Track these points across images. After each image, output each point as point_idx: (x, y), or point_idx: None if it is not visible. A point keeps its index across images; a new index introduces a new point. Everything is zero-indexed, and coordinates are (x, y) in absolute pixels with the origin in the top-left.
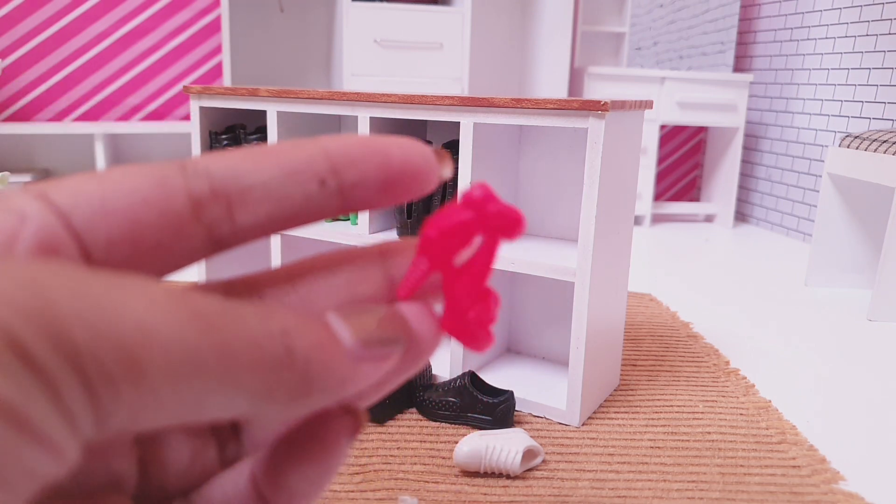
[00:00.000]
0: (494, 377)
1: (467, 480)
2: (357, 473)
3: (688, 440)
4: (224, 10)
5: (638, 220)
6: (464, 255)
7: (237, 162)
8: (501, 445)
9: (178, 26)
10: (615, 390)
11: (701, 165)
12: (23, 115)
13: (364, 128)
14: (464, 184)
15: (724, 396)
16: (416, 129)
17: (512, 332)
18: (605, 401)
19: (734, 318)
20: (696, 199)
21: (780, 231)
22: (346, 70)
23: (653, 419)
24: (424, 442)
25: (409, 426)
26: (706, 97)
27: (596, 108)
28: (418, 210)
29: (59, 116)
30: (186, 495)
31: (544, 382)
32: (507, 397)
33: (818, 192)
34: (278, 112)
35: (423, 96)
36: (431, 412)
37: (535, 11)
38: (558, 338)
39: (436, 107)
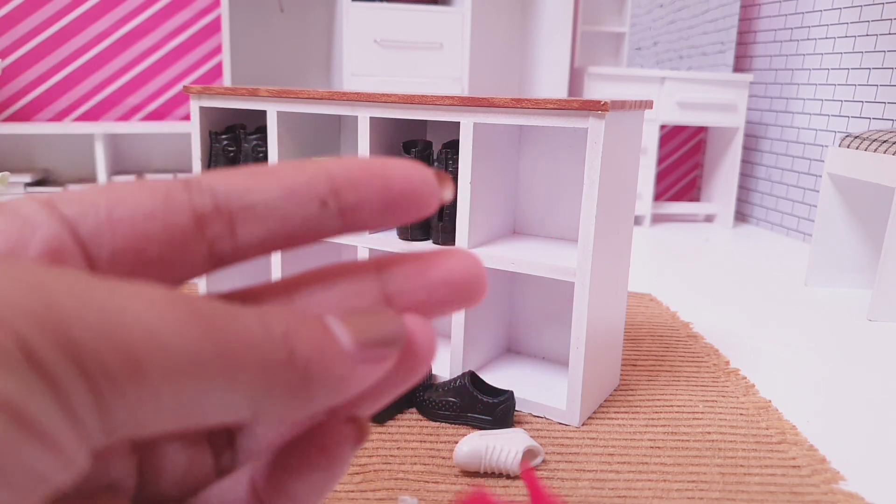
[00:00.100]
0: (494, 377)
1: (467, 480)
2: (357, 473)
3: (688, 440)
4: (224, 10)
5: (638, 220)
6: None
7: (240, 180)
8: (501, 445)
9: (178, 26)
10: (615, 390)
11: (701, 165)
12: (23, 115)
13: (364, 127)
14: (464, 181)
15: (724, 396)
16: (416, 128)
17: (512, 332)
18: (605, 401)
19: (734, 318)
20: (696, 199)
21: (780, 231)
22: (346, 70)
23: (653, 419)
24: (424, 442)
25: (409, 426)
26: (706, 97)
27: (596, 108)
28: None
29: (59, 116)
30: (183, 502)
31: (544, 382)
32: (507, 397)
33: (818, 192)
34: (278, 112)
35: (423, 96)
36: (431, 412)
37: (535, 11)
38: (558, 338)
39: (436, 107)
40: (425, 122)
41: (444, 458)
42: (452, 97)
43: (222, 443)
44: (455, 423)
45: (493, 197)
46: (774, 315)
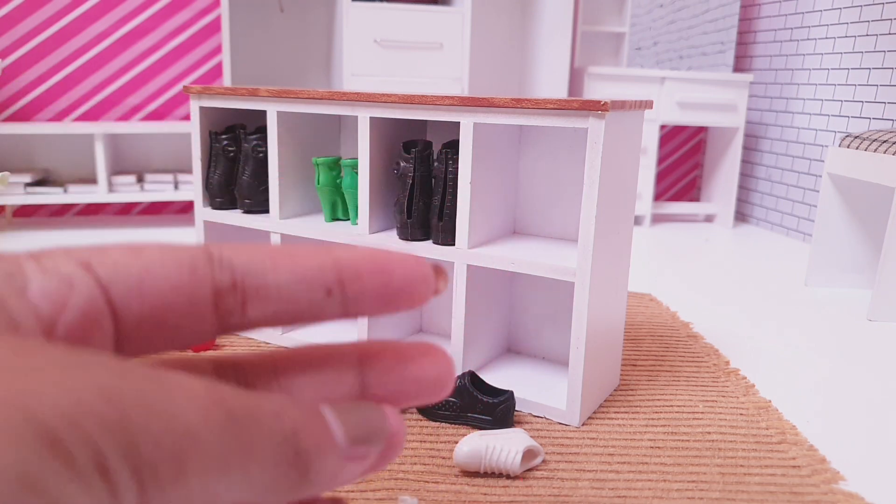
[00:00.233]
0: (494, 377)
1: (467, 480)
2: None
3: (688, 440)
4: (224, 10)
5: (638, 220)
6: None
7: (258, 258)
8: (501, 445)
9: (178, 26)
10: (615, 390)
11: (701, 165)
12: (23, 115)
13: (364, 127)
14: (464, 181)
15: (724, 396)
16: (416, 128)
17: (512, 332)
18: (605, 401)
19: (734, 318)
20: (696, 199)
21: (780, 231)
22: (346, 70)
23: (653, 419)
24: (424, 442)
25: (408, 426)
26: (706, 97)
27: (596, 108)
28: (419, 210)
29: (59, 116)
30: None
31: (544, 382)
32: (507, 397)
33: (818, 192)
34: (278, 112)
35: (423, 96)
36: (431, 412)
37: (535, 11)
38: (558, 338)
39: (436, 107)
40: (425, 122)
41: (444, 458)
42: (452, 97)
43: None
44: (455, 423)
45: (493, 197)
46: (774, 315)
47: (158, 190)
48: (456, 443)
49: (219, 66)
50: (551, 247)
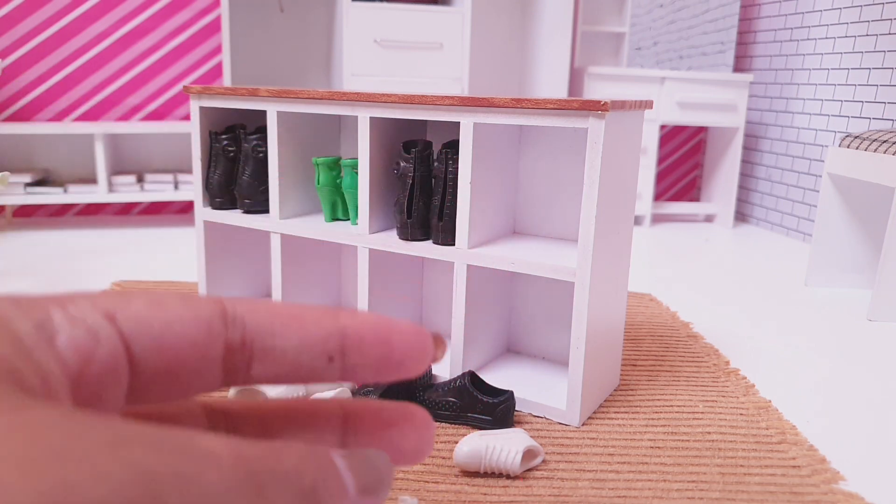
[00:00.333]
0: (494, 377)
1: (467, 480)
2: None
3: (688, 440)
4: (224, 10)
5: (638, 220)
6: None
7: (268, 321)
8: (501, 445)
9: (178, 26)
10: (615, 390)
11: (701, 165)
12: (23, 115)
13: (364, 127)
14: (464, 181)
15: (724, 396)
16: (416, 128)
17: (512, 332)
18: (605, 401)
19: (734, 318)
20: (696, 199)
21: (780, 231)
22: (346, 70)
23: (653, 419)
24: None
25: None
26: (706, 97)
27: (596, 108)
28: (419, 210)
29: (59, 116)
30: None
31: (544, 382)
32: (507, 397)
33: (818, 192)
34: (278, 112)
35: (423, 96)
36: (431, 412)
37: (535, 11)
38: (558, 338)
39: (436, 107)
40: (425, 122)
41: (444, 458)
42: (452, 97)
43: None
44: (455, 423)
45: (493, 197)
46: (774, 315)
47: (158, 190)
48: (456, 443)
49: (219, 66)
50: (551, 247)
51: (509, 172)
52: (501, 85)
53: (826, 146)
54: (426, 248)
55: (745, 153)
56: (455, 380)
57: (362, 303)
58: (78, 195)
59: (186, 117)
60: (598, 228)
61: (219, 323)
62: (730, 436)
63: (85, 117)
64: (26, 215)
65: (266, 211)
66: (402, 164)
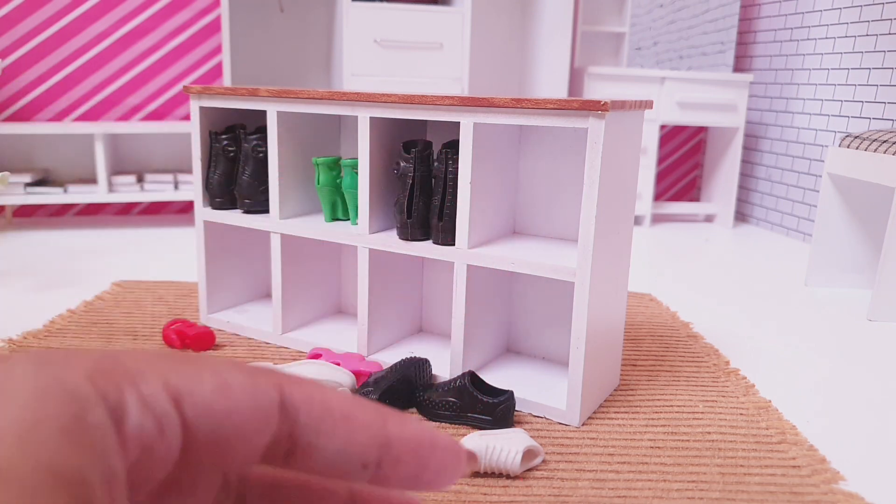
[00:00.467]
0: (494, 377)
1: (467, 480)
2: None
3: (688, 440)
4: (224, 10)
5: (638, 220)
6: None
7: (320, 417)
8: (501, 445)
9: (178, 26)
10: (615, 390)
11: (701, 165)
12: (23, 115)
13: (364, 127)
14: (464, 181)
15: (724, 396)
16: (416, 128)
17: (512, 332)
18: (605, 401)
19: (734, 318)
20: (696, 199)
21: (780, 231)
22: (346, 70)
23: (653, 419)
24: None
25: None
26: (706, 97)
27: (596, 108)
28: (419, 210)
29: (59, 116)
30: None
31: (544, 382)
32: (507, 397)
33: (818, 192)
34: (278, 112)
35: (423, 96)
36: (431, 412)
37: (535, 11)
38: (558, 338)
39: (436, 107)
40: (425, 122)
41: None
42: (452, 97)
43: None
44: (455, 423)
45: (493, 197)
46: (774, 315)
47: (158, 190)
48: None
49: (219, 66)
50: (551, 247)
51: (509, 172)
52: (501, 85)
53: (826, 146)
54: (426, 248)
55: (745, 153)
56: (455, 380)
57: (362, 303)
58: (78, 195)
59: (186, 117)
60: (598, 228)
61: (275, 415)
62: (730, 436)
63: (85, 117)
64: (26, 215)
65: (266, 211)
66: (402, 164)
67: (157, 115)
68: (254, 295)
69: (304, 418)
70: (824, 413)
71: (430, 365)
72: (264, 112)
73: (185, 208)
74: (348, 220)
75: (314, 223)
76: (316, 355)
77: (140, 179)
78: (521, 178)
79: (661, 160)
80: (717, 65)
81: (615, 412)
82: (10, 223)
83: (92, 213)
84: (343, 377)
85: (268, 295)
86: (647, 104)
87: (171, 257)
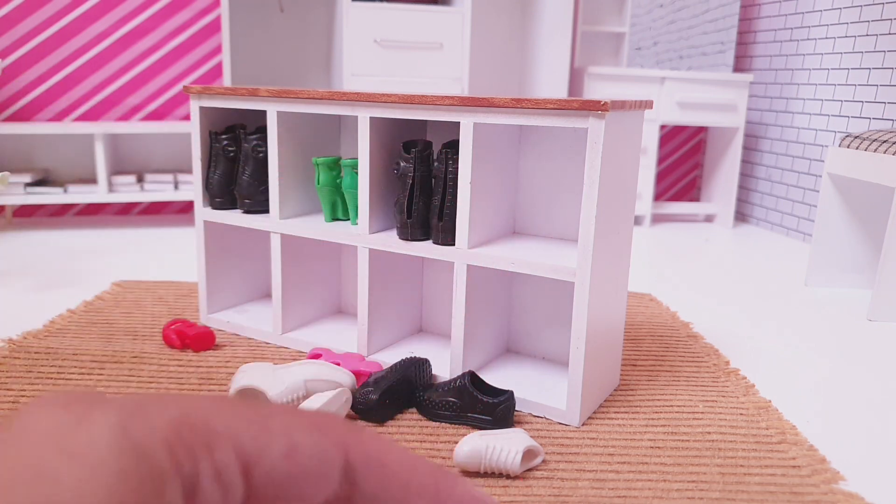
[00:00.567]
0: (494, 377)
1: (467, 480)
2: None
3: (688, 440)
4: (224, 10)
5: (638, 220)
6: None
7: (380, 484)
8: (501, 445)
9: (178, 26)
10: (615, 390)
11: (701, 165)
12: (23, 115)
13: (364, 127)
14: (464, 181)
15: (724, 396)
16: (416, 128)
17: (512, 332)
18: (605, 401)
19: (734, 318)
20: (696, 199)
21: (780, 231)
22: (346, 70)
23: (653, 419)
24: (424, 442)
25: (409, 426)
26: (706, 97)
27: (596, 108)
28: (419, 210)
29: (59, 116)
30: None
31: (544, 382)
32: (507, 397)
33: (818, 192)
34: (278, 112)
35: (423, 96)
36: (431, 412)
37: (535, 11)
38: (558, 338)
39: (436, 107)
40: (425, 122)
41: (444, 458)
42: (452, 97)
43: None
44: (455, 423)
45: (493, 197)
46: (774, 315)
47: (158, 190)
48: (456, 443)
49: (219, 66)
50: (551, 247)
51: (509, 172)
52: (501, 85)
53: (826, 146)
54: (426, 248)
55: (745, 153)
56: (455, 380)
57: (362, 303)
58: (78, 195)
59: (186, 117)
60: (598, 228)
61: (336, 479)
62: (730, 436)
63: (85, 117)
64: (26, 215)
65: (266, 211)
66: (402, 164)
67: (157, 115)
68: (254, 295)
69: (362, 482)
70: (824, 413)
71: (430, 365)
72: (264, 112)
73: (185, 208)
74: (348, 220)
75: (314, 223)
76: (316, 355)
77: (140, 179)
78: (521, 178)
79: (661, 160)
80: (717, 65)
81: (615, 412)
82: (10, 223)
83: (92, 213)
84: (343, 377)
85: (268, 295)
86: (647, 104)
87: (171, 257)
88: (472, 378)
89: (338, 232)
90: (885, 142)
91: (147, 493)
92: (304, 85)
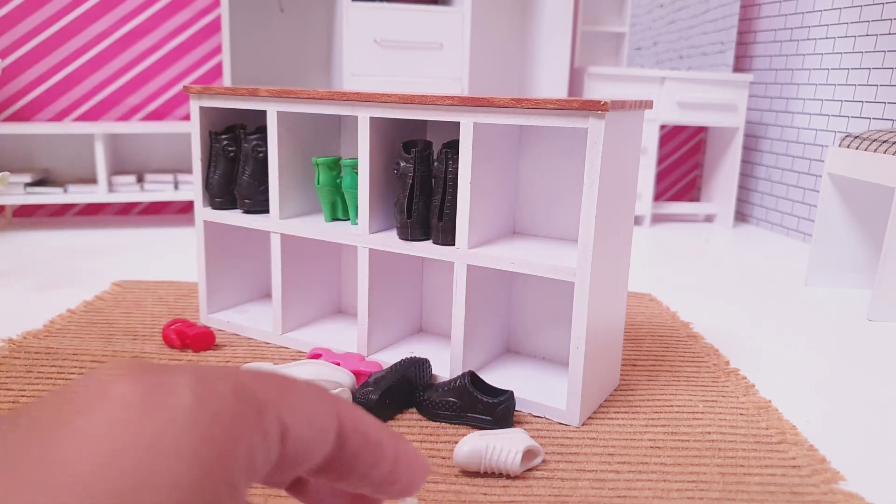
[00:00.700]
0: (494, 377)
1: (467, 480)
2: None
3: (688, 440)
4: (224, 10)
5: (638, 220)
6: None
7: (361, 445)
8: (501, 445)
9: (178, 26)
10: (615, 390)
11: (701, 165)
12: (23, 115)
13: (364, 127)
14: (464, 181)
15: (724, 396)
16: (416, 128)
17: (512, 332)
18: (605, 401)
19: (734, 318)
20: (696, 199)
21: (780, 231)
22: (346, 70)
23: (653, 419)
24: (424, 442)
25: (409, 426)
26: (706, 97)
27: (596, 108)
28: (419, 210)
29: (59, 116)
30: None
31: (544, 382)
32: (507, 397)
33: (818, 192)
34: (278, 112)
35: (423, 96)
36: (431, 412)
37: (535, 11)
38: (558, 338)
39: (436, 107)
40: (425, 122)
41: (444, 458)
42: (452, 97)
43: None
44: (455, 423)
45: (493, 197)
46: (774, 315)
47: (158, 190)
48: (456, 443)
49: (219, 66)
50: (551, 247)
51: (509, 172)
52: (501, 85)
53: (826, 146)
54: (426, 248)
55: (745, 153)
56: (455, 380)
57: (362, 303)
58: (78, 195)
59: (186, 117)
60: (598, 228)
61: (332, 443)
62: (730, 436)
63: (85, 117)
64: (26, 215)
65: (266, 211)
66: (402, 164)
67: (157, 115)
68: (254, 295)
69: (347, 446)
70: (824, 413)
71: (430, 365)
72: (264, 112)
73: (185, 208)
74: (348, 220)
75: (314, 223)
76: (316, 355)
77: (140, 179)
78: (521, 178)
79: (661, 160)
80: (717, 65)
81: (615, 412)
82: (10, 223)
83: (92, 213)
84: (343, 377)
85: (268, 295)
86: (647, 104)
87: (171, 257)
88: (472, 378)
89: (338, 232)
90: (885, 142)
91: (225, 454)
92: (304, 85)
